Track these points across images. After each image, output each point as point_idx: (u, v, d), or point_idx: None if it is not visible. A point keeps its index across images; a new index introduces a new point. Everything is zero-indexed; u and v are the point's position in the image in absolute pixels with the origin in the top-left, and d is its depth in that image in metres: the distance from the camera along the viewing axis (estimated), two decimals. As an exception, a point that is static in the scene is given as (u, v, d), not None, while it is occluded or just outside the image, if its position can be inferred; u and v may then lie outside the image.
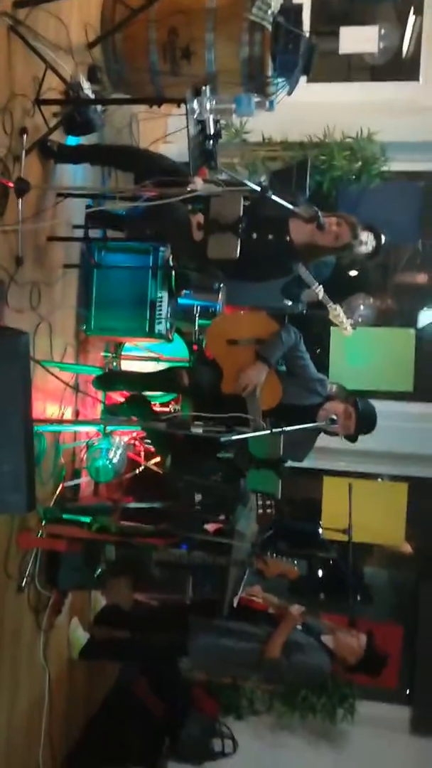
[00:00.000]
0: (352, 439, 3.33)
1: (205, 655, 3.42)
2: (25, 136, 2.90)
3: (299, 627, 3.39)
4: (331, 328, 4.78)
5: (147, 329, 3.58)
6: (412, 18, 5.02)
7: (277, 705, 4.58)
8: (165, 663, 3.88)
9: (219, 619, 3.41)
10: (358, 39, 4.74)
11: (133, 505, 3.76)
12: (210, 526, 3.66)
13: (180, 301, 3.83)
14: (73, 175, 3.49)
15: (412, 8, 4.97)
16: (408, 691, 4.81)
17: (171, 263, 3.60)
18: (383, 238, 3.10)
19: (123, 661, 3.97)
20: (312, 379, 3.34)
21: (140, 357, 4.07)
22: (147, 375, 3.70)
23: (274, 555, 3.36)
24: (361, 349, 4.85)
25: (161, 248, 3.55)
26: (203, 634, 3.40)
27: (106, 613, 3.89)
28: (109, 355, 4.03)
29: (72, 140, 3.35)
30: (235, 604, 3.52)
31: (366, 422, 3.29)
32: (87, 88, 3.21)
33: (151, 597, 4.09)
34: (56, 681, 3.42)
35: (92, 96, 3.25)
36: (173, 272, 3.65)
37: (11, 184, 2.75)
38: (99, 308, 3.60)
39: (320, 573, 5.47)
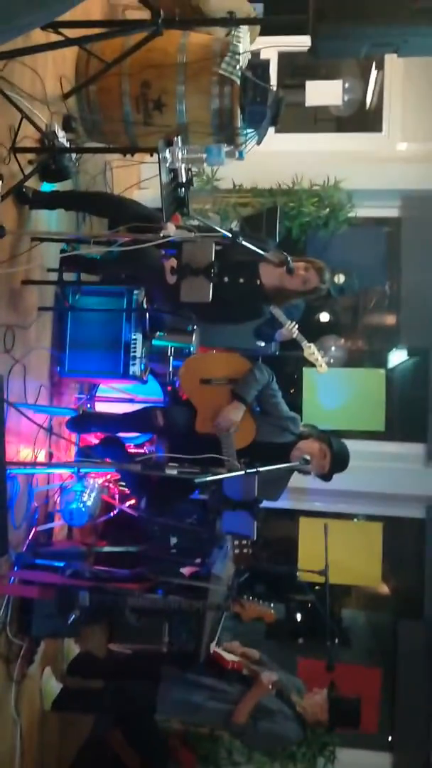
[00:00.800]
0: (326, 477, 3.35)
1: (173, 708, 3.35)
2: (0, 183, 2.96)
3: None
4: (304, 368, 4.86)
5: (121, 371, 3.60)
6: (374, 72, 5.27)
7: (257, 756, 4.47)
8: (140, 714, 3.78)
9: (192, 673, 3.35)
10: (324, 92, 4.95)
11: (107, 549, 3.71)
12: (186, 570, 3.62)
13: (154, 342, 3.86)
14: (48, 220, 3.54)
15: (375, 63, 5.22)
16: (389, 738, 4.73)
17: (145, 306, 3.64)
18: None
19: (96, 712, 3.85)
20: (284, 417, 3.37)
21: (115, 398, 4.07)
22: (121, 416, 3.69)
23: (251, 598, 3.33)
24: (333, 389, 4.92)
25: (135, 291, 3.60)
26: (174, 687, 3.33)
27: (79, 662, 3.79)
28: (83, 396, 4.03)
29: (47, 187, 3.42)
30: (212, 650, 3.47)
31: (340, 461, 3.32)
32: (62, 137, 3.29)
33: (126, 646, 4.00)
34: (28, 734, 3.30)
35: (67, 144, 3.33)
36: (147, 314, 3.69)
37: (-14, 229, 2.78)
38: (73, 350, 3.61)
39: (298, 616, 5.42)
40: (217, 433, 3.23)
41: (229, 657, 3.44)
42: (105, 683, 3.69)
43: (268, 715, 3.24)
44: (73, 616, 3.27)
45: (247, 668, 3.39)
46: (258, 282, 3.20)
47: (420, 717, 4.57)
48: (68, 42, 3.12)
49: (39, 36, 3.10)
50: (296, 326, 3.27)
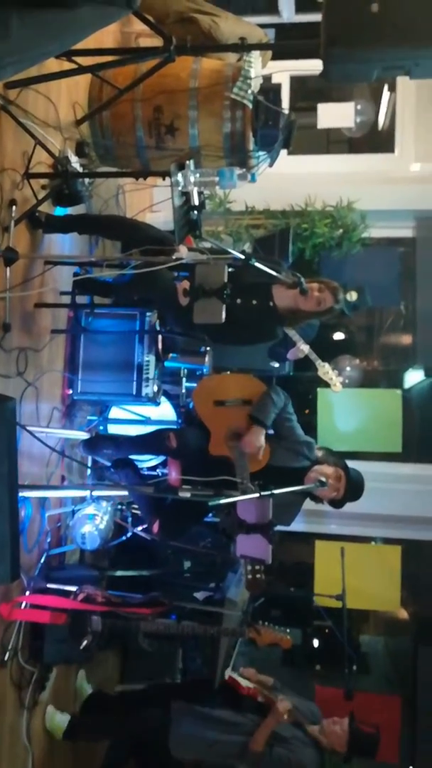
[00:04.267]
0: (338, 504, 3.28)
1: (188, 746, 3.28)
2: (14, 208, 3.00)
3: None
4: (318, 389, 4.82)
5: (134, 392, 3.59)
6: (386, 94, 5.29)
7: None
8: (154, 746, 3.69)
9: (204, 706, 3.29)
10: (336, 114, 4.97)
11: (120, 573, 3.68)
12: (199, 594, 3.58)
13: (167, 364, 3.86)
14: (61, 243, 3.57)
15: (386, 85, 5.24)
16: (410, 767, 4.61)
17: (158, 327, 3.65)
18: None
19: (110, 738, 3.77)
20: (299, 441, 3.33)
21: (128, 420, 4.06)
22: (134, 438, 3.68)
23: (267, 623, 3.27)
24: (348, 410, 4.87)
25: (148, 313, 3.60)
26: (186, 724, 3.26)
27: (92, 702, 3.73)
28: (96, 418, 4.02)
29: (60, 211, 3.45)
30: (226, 677, 3.40)
31: (354, 488, 3.26)
32: (75, 162, 3.33)
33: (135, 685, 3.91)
34: (39, 762, 3.25)
35: (80, 169, 3.37)
36: (160, 336, 3.69)
37: (-1, 254, 2.82)
38: (86, 372, 3.62)
39: (315, 642, 5.32)
40: (230, 456, 3.20)
41: (244, 683, 3.38)
42: (118, 717, 3.61)
43: (282, 743, 3.17)
44: (86, 642, 3.24)
45: (263, 695, 3.32)
46: (271, 303, 3.19)
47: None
48: (81, 70, 3.17)
49: (52, 64, 3.15)
50: (308, 346, 3.24)
